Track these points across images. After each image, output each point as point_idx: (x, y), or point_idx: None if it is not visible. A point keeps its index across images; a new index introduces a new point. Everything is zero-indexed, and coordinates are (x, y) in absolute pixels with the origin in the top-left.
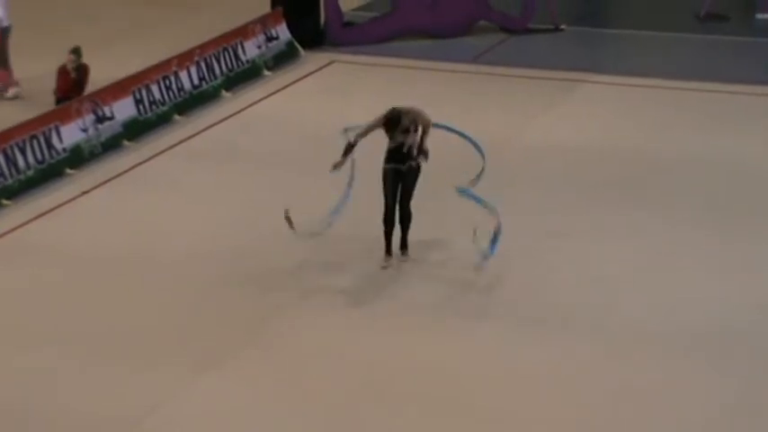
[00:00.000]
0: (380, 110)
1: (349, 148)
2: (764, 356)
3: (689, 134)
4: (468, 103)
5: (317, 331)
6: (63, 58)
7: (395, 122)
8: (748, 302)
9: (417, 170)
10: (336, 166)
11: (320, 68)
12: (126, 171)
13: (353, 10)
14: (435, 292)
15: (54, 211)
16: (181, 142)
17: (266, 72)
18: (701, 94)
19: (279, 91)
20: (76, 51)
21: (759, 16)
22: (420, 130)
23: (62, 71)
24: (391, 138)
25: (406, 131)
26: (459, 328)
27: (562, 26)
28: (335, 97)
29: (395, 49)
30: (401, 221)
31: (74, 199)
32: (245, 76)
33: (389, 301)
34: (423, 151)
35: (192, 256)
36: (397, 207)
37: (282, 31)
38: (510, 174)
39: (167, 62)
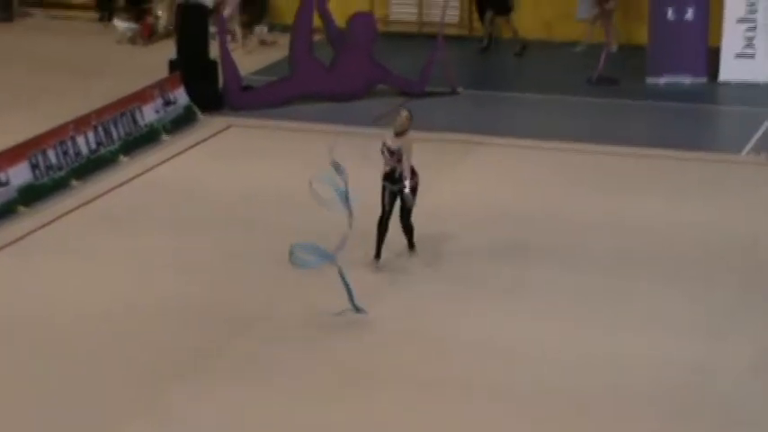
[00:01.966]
0: (278, 173)
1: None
2: (662, 412)
3: (584, 195)
4: (366, 166)
5: (215, 400)
6: None
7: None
8: (645, 359)
9: (413, 192)
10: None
11: (219, 132)
12: (21, 237)
13: (252, 74)
14: (333, 356)
15: None
16: (78, 207)
17: (165, 136)
18: (596, 156)
19: (177, 155)
20: None
21: (649, 80)
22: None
23: None
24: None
25: (394, 156)
26: (361, 394)
27: (459, 89)
28: (233, 161)
29: (294, 112)
30: (404, 233)
31: None
32: (143, 140)
33: (289, 367)
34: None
35: (87, 322)
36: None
37: (181, 96)
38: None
39: (64, 127)
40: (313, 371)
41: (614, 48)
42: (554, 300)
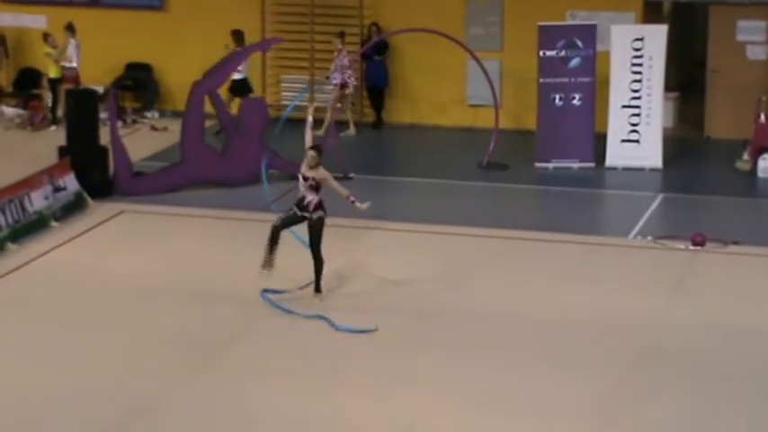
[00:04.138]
0: (171, 260)
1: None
2: None
3: (475, 279)
4: (256, 253)
5: None
6: None
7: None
8: None
9: (320, 222)
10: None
11: (110, 218)
12: None
13: (143, 160)
14: None
15: None
16: None
17: (54, 223)
18: (486, 240)
19: (67, 242)
20: None
21: (538, 165)
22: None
23: None
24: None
25: (307, 182)
26: None
27: (351, 174)
28: (125, 247)
29: (185, 198)
30: (314, 266)
31: None
32: (32, 227)
33: None
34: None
35: None
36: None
37: (70, 182)
38: (298, 323)
39: None
40: None
41: (352, 132)
42: (439, 386)
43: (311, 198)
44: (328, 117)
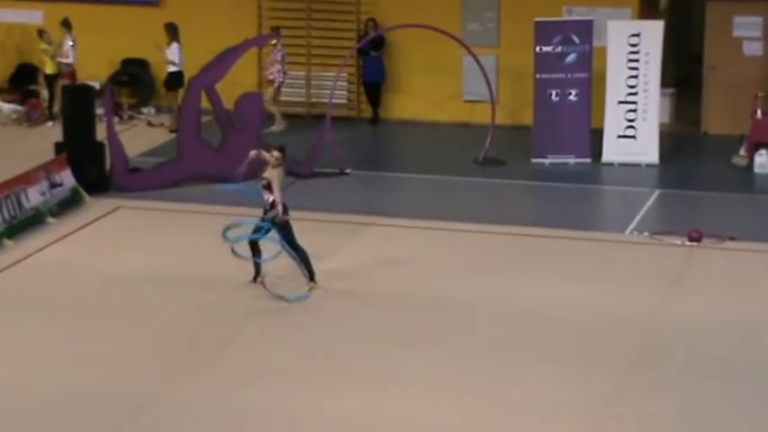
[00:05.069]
0: (168, 256)
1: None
2: None
3: (471, 275)
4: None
5: None
6: None
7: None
8: None
9: (283, 223)
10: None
11: (106, 214)
12: None
13: (139, 155)
14: None
15: None
16: None
17: (50, 219)
18: (483, 236)
19: (64, 237)
20: None
21: (534, 161)
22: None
23: None
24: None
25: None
26: None
27: (347, 170)
28: (121, 243)
29: (182, 193)
30: (300, 260)
31: None
32: (28, 223)
33: None
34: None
35: None
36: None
37: (67, 178)
38: (296, 319)
39: None
40: None
41: (278, 128)
42: (438, 384)
43: (267, 197)
44: (274, 111)
